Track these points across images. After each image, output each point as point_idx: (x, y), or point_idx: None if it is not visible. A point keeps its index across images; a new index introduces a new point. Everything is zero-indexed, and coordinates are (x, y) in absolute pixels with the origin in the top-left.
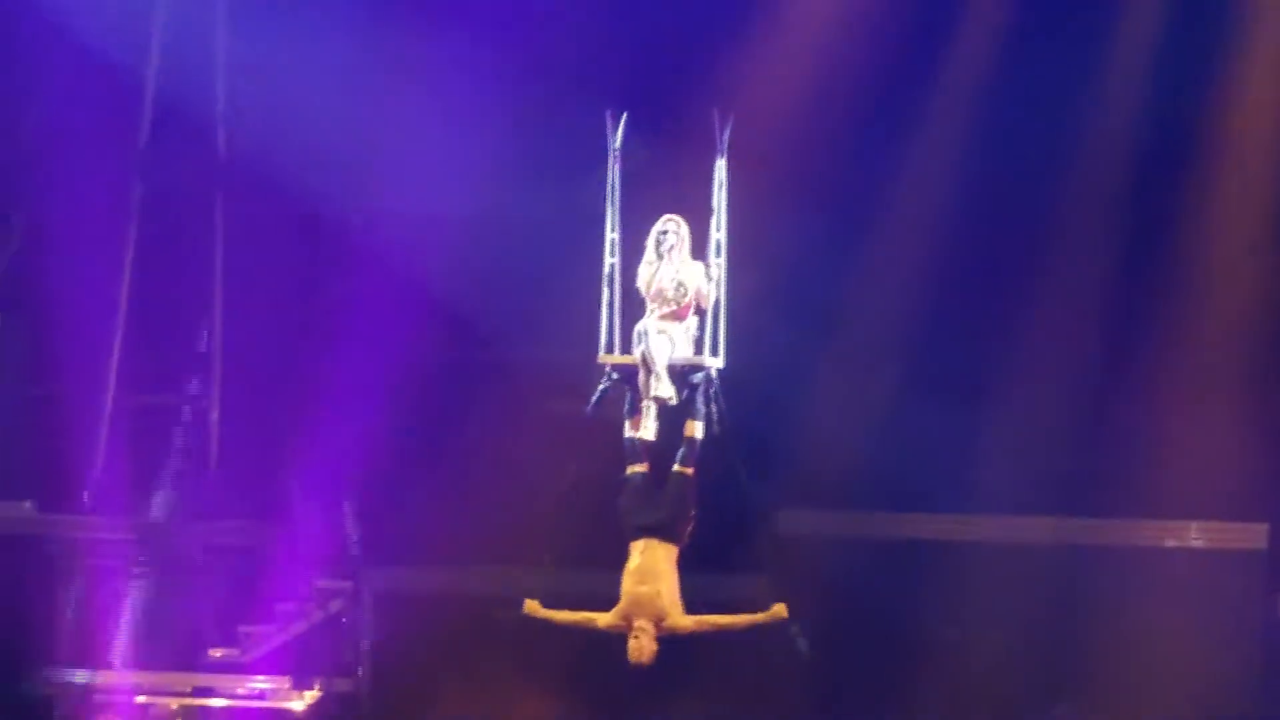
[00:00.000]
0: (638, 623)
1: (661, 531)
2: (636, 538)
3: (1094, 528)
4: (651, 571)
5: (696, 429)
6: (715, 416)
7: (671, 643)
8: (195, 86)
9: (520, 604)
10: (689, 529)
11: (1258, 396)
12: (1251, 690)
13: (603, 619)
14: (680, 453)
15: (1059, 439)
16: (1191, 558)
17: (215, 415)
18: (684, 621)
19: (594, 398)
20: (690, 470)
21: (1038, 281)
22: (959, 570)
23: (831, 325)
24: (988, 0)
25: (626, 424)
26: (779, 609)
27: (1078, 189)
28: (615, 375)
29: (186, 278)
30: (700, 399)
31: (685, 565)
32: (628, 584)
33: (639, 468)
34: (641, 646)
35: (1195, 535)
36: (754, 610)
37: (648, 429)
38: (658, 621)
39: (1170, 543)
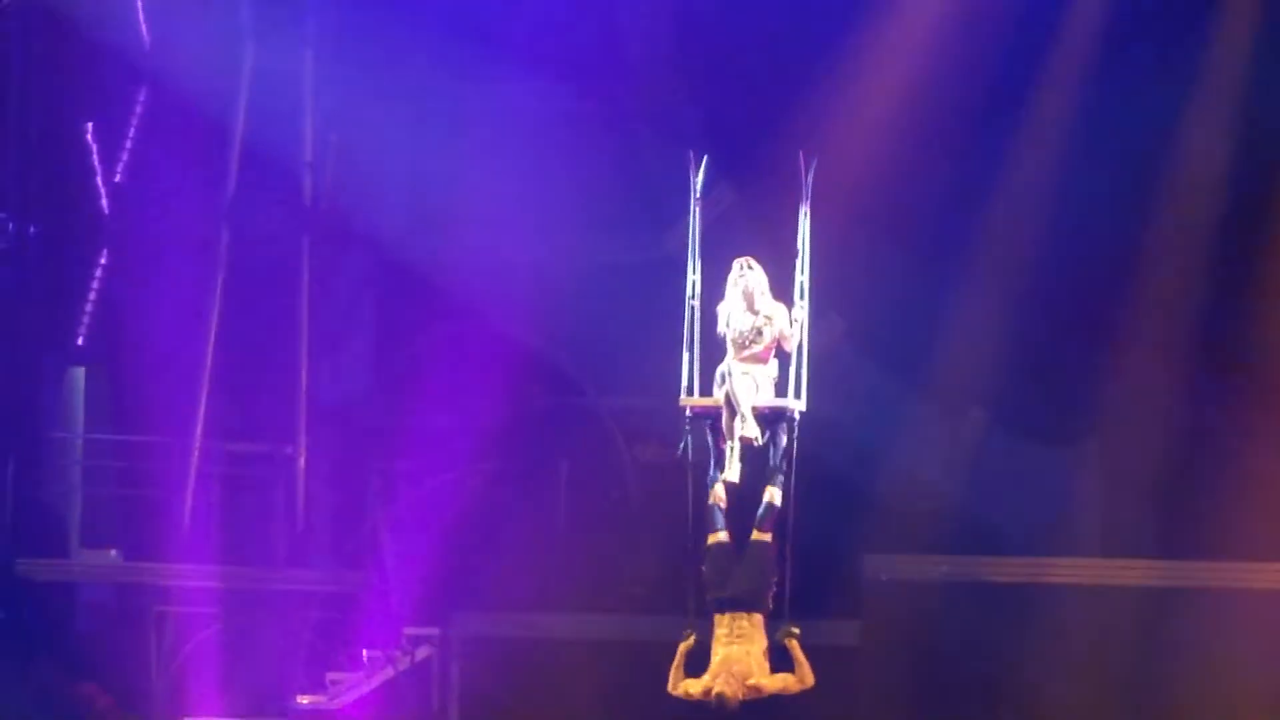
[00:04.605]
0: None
1: (743, 604)
2: (721, 610)
3: (1185, 570)
4: (741, 657)
5: (775, 495)
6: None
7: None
8: (282, 135)
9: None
10: (770, 594)
11: None
12: None
13: (696, 688)
14: (758, 517)
15: (1148, 481)
16: None
17: (303, 463)
18: (768, 684)
19: (682, 443)
20: (769, 536)
21: (1127, 323)
22: (1048, 614)
23: (918, 368)
24: (1074, 37)
25: (710, 491)
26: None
27: (1169, 230)
28: (697, 418)
29: (274, 326)
30: (780, 461)
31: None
32: (717, 667)
33: (719, 537)
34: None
35: None
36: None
37: (733, 470)
38: (744, 680)
39: (1262, 585)
